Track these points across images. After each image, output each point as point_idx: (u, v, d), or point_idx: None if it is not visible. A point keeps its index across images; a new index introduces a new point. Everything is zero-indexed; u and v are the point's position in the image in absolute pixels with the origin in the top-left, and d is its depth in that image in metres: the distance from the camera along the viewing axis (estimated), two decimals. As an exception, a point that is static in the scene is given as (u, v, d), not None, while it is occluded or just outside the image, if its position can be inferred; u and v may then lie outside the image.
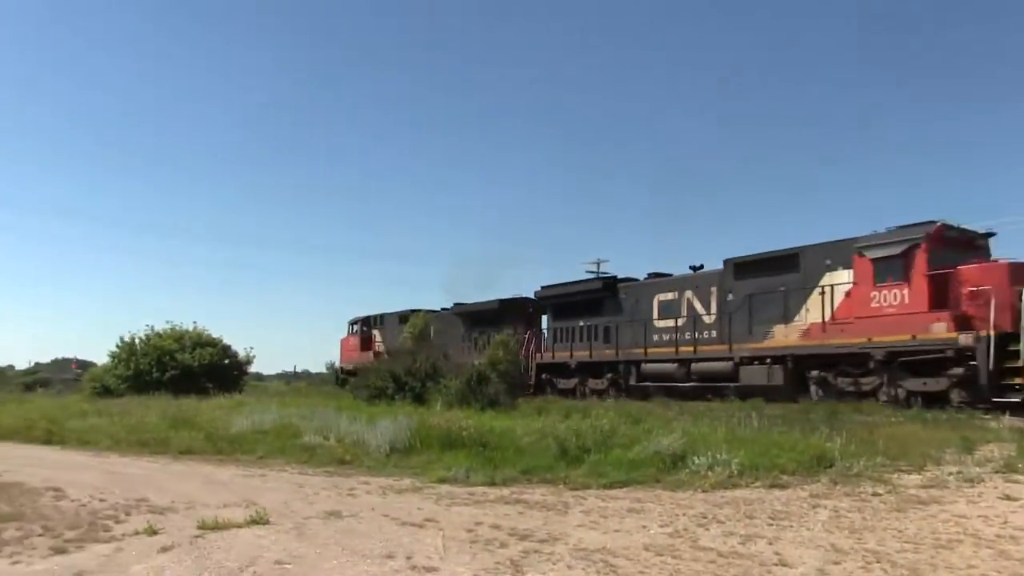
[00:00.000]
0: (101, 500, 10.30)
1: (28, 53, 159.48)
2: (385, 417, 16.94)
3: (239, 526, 8.37)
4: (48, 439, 19.84)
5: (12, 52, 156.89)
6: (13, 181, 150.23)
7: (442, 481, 11.98)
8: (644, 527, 8.38)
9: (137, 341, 40.21)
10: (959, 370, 20.40)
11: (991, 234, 23.33)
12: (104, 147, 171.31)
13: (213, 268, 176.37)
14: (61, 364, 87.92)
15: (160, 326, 41.76)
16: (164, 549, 7.38)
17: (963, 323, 20.56)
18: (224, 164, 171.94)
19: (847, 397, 22.69)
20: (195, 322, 43.58)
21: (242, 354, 42.82)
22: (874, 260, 22.69)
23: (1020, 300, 19.55)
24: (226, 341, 41.68)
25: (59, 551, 7.35)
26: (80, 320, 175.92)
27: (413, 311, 44.17)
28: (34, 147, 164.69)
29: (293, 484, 12.01)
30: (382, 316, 47.16)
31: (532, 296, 37.43)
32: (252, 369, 47.37)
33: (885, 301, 22.38)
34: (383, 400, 24.88)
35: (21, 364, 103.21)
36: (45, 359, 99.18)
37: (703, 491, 10.62)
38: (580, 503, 10.02)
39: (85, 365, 71.34)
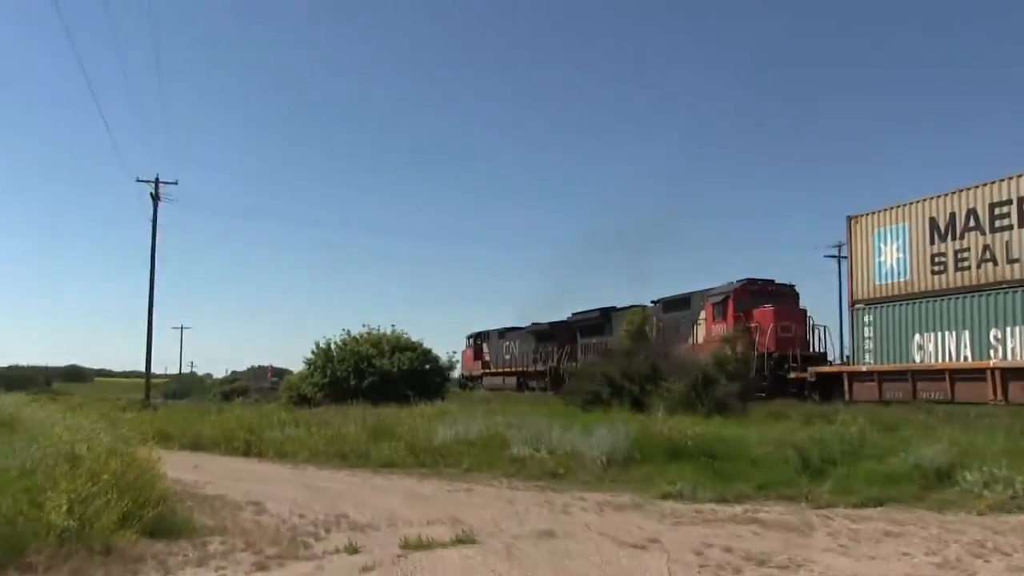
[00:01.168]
0: (300, 516, 10.85)
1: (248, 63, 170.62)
2: (601, 425, 16.99)
3: (444, 545, 8.60)
4: (247, 450, 21.13)
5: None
6: (205, 188, 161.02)
7: (666, 497, 11.91)
8: (905, 554, 8.01)
9: (333, 346, 40.71)
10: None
11: (791, 285, 36.92)
12: (293, 147, 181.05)
13: (412, 268, 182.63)
14: (257, 372, 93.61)
15: (357, 330, 42.01)
16: (366, 569, 7.68)
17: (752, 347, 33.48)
18: (417, 162, 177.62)
19: None
20: (393, 325, 44.60)
21: (444, 359, 43.33)
22: (712, 304, 36.99)
23: (779, 332, 33.43)
24: (427, 345, 42.48)
25: (261, 567, 7.80)
26: (274, 327, 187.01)
27: (510, 328, 56.97)
28: (218, 152, 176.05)
29: (501, 500, 12.25)
30: (487, 332, 60.45)
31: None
32: (455, 374, 48.48)
33: (717, 331, 35.88)
34: (598, 406, 24.93)
35: (219, 372, 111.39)
36: (241, 367, 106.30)
37: (978, 514, 10.05)
38: (826, 524, 9.71)
39: (281, 373, 75.51)
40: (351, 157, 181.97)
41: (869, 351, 30.25)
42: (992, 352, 25.68)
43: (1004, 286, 25.67)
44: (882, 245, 30.10)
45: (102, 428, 13.66)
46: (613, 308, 46.18)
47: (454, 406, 29.35)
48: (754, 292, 36.00)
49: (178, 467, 15.31)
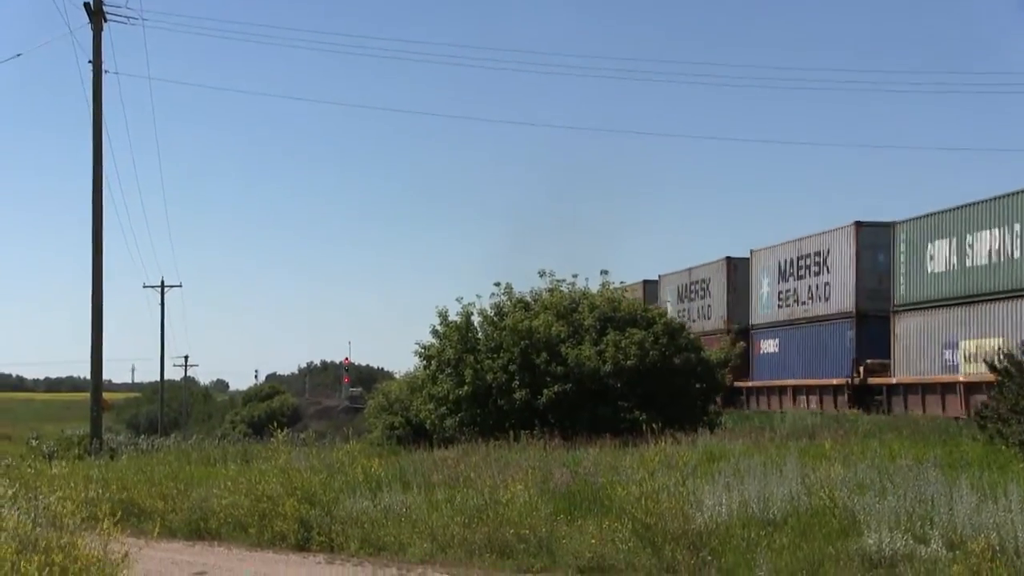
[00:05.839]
0: None
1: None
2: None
3: None
4: (303, 538, 13.70)
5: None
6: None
7: None
8: None
9: (477, 319, 24.48)
10: None
11: None
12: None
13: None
14: (319, 377, 68.50)
15: (523, 286, 25.67)
16: None
17: None
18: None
19: None
20: (605, 272, 26.24)
21: (717, 348, 26.83)
22: None
23: None
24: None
25: None
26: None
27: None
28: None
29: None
30: None
31: None
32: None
33: None
34: None
35: (242, 380, 77.42)
36: (283, 368, 78.79)
37: None
38: None
39: (367, 378, 53.81)
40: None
41: None
42: None
43: None
44: None
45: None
46: None
47: (738, 443, 18.19)
48: None
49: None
